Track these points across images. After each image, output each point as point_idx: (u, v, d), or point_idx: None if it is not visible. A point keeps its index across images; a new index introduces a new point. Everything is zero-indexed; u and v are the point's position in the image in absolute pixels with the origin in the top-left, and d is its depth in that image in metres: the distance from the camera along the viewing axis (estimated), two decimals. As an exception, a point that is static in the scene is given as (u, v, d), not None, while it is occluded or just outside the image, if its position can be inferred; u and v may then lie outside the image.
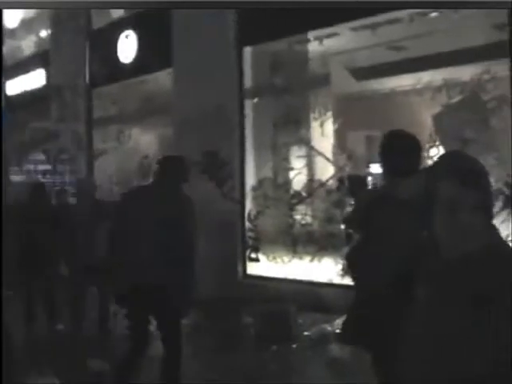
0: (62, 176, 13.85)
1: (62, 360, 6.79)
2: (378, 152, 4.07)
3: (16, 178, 15.81)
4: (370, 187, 4.39)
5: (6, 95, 17.19)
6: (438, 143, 8.76)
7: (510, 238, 6.88)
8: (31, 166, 15.73)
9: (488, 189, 2.20)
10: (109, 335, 7.89)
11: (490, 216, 2.20)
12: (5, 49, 17.25)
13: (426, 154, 9.23)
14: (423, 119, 9.41)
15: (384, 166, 4.08)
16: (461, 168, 2.18)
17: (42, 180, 13.16)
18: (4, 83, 17.18)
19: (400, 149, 3.98)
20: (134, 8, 12.13)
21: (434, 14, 8.38)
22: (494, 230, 2.23)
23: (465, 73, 8.69)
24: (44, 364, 6.60)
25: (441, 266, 2.23)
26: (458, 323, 2.10)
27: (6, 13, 17.25)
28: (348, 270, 4.25)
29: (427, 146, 8.93)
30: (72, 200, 9.61)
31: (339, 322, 7.31)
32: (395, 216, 3.74)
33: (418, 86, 9.19)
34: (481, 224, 2.14)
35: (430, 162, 9.18)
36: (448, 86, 8.73)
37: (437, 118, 8.86)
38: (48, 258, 8.22)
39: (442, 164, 2.27)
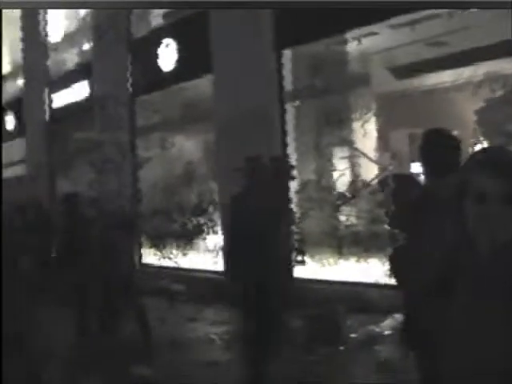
0: (107, 186, 14.00)
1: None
2: (418, 151, 4.04)
3: (62, 189, 16.04)
4: (414, 186, 4.34)
5: (51, 108, 17.50)
6: (481, 139, 8.64)
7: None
8: (77, 177, 15.93)
9: None
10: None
11: None
12: (49, 62, 17.60)
13: (470, 151, 9.14)
14: (466, 115, 9.30)
15: (424, 165, 4.05)
16: (492, 159, 2.15)
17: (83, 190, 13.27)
18: (49, 96, 17.51)
19: (439, 147, 3.94)
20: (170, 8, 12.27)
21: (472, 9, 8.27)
22: None
23: (506, 66, 8.55)
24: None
25: (480, 261, 2.20)
26: (503, 317, 2.07)
27: (49, 27, 17.59)
28: (391, 271, 4.20)
29: (471, 141, 8.82)
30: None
31: (387, 323, 7.29)
32: (437, 215, 3.70)
33: (460, 82, 9.09)
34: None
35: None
36: (490, 80, 8.61)
37: (479, 113, 8.74)
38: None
39: (475, 158, 2.23)
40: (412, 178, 4.33)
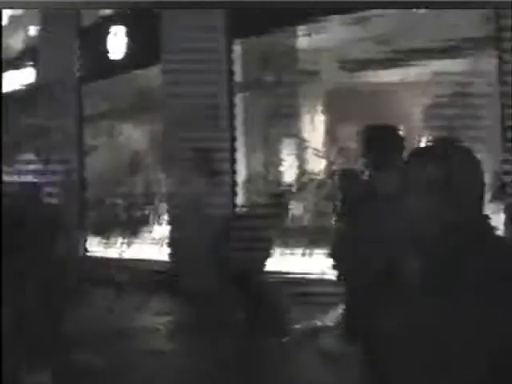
0: (53, 174, 13.83)
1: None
2: (359, 146, 4.09)
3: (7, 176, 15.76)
4: (358, 181, 4.40)
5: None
6: (428, 136, 8.81)
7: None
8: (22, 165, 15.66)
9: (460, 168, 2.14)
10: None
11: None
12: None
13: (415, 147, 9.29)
14: (413, 112, 9.47)
15: (365, 160, 4.10)
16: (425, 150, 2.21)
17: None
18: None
19: (382, 142, 4.00)
20: (124, 8, 12.17)
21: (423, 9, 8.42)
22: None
23: (453, 67, 8.73)
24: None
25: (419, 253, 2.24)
26: (441, 311, 2.11)
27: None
28: (334, 264, 4.26)
29: (417, 138, 8.99)
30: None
31: (331, 315, 7.39)
32: (378, 210, 3.77)
33: (408, 80, 9.25)
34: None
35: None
36: (437, 79, 8.78)
37: (427, 111, 8.91)
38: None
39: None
40: (357, 172, 4.38)
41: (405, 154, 4.03)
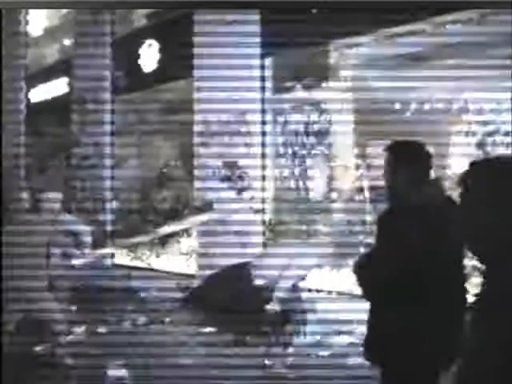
0: (84, 183, 13.95)
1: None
2: (387, 162, 4.06)
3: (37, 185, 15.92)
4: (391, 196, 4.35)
5: (28, 103, 17.36)
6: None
7: None
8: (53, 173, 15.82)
9: None
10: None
11: None
12: (28, 56, 17.47)
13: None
14: (446, 130, 9.39)
15: (395, 176, 4.06)
16: None
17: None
18: (27, 91, 17.37)
19: (409, 159, 3.98)
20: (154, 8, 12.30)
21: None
22: None
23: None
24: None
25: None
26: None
27: (31, 20, 17.46)
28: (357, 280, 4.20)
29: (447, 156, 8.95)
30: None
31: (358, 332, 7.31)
32: (405, 225, 3.73)
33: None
34: None
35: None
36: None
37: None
38: None
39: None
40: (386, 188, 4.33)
41: (431, 171, 4.00)
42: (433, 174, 4.02)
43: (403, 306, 3.57)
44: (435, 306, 3.61)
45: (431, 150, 4.03)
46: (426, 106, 9.51)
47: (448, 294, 3.69)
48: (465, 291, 3.84)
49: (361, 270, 3.94)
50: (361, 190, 9.70)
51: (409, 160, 3.96)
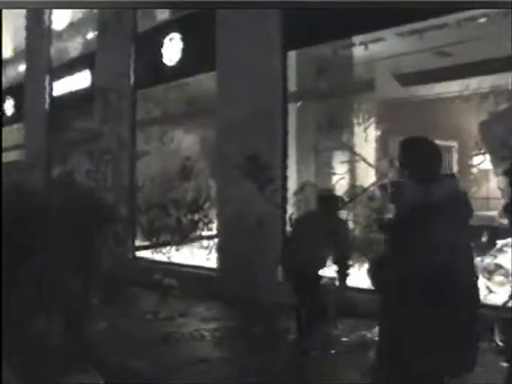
0: (104, 176, 14.00)
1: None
2: (399, 159, 4.09)
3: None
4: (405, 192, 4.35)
5: (51, 96, 17.43)
6: (483, 151, 8.67)
7: None
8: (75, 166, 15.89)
9: None
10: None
11: None
12: (51, 50, 17.55)
13: (469, 162, 9.17)
14: (469, 126, 9.31)
15: (406, 172, 4.09)
16: None
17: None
18: (50, 84, 17.45)
19: (420, 154, 3.99)
20: (178, 8, 12.29)
21: (482, 20, 8.27)
22: None
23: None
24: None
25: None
26: None
27: (54, 14, 17.54)
28: (373, 278, 4.20)
29: (472, 153, 8.87)
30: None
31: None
32: (420, 222, 3.75)
33: (465, 93, 9.09)
34: None
35: (472, 170, 9.13)
36: (495, 92, 8.62)
37: (483, 126, 8.75)
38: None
39: None
40: (407, 184, 4.33)
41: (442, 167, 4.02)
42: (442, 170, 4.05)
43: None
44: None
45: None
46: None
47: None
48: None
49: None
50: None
51: (419, 155, 3.99)
